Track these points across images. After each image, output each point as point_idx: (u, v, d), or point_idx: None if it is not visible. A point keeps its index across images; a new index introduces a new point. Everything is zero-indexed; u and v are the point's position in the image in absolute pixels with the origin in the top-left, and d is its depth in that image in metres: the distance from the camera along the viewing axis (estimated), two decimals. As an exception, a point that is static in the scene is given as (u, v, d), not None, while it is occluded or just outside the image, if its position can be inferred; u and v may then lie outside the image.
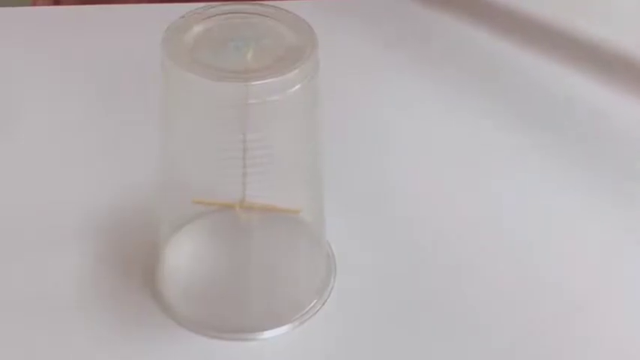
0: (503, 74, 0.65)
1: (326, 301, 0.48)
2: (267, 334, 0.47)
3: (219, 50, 0.43)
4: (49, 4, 0.75)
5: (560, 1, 0.72)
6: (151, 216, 0.49)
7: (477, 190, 0.56)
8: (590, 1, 0.72)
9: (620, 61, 0.66)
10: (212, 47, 0.43)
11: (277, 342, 0.46)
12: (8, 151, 0.58)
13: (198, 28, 0.44)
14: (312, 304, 0.48)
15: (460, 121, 0.61)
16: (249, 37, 0.44)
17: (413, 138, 0.59)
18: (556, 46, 0.67)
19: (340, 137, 0.56)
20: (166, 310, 0.48)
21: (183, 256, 0.50)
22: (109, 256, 0.50)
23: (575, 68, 0.65)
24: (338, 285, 0.49)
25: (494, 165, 0.58)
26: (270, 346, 0.46)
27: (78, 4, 0.72)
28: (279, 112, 0.43)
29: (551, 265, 0.51)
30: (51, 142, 0.58)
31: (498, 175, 0.57)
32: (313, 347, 0.46)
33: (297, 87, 0.42)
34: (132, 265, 0.50)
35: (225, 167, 0.44)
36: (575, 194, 0.55)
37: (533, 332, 0.47)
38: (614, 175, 0.57)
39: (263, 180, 0.44)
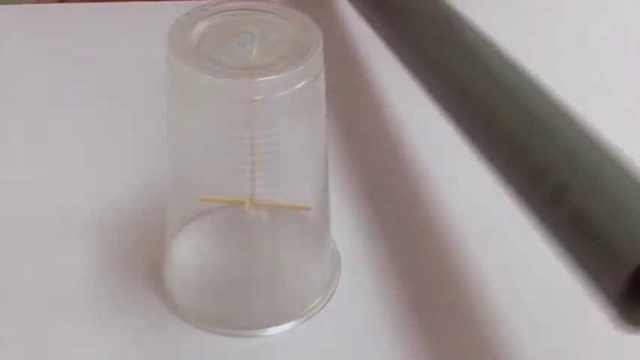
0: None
1: (330, 298, 0.48)
2: (272, 330, 0.47)
3: (225, 47, 0.43)
4: (53, 1, 0.75)
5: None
6: (157, 213, 0.49)
7: (487, 190, 0.56)
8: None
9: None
10: (217, 44, 0.43)
11: (282, 339, 0.46)
12: (12, 150, 0.58)
13: (203, 25, 0.44)
14: (316, 301, 0.48)
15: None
16: (254, 33, 0.44)
17: (421, 136, 0.59)
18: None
19: (346, 134, 0.56)
20: (172, 306, 0.48)
21: (189, 253, 0.50)
22: (115, 254, 0.50)
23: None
24: (343, 283, 0.49)
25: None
26: (274, 343, 0.46)
27: (82, 2, 0.72)
28: (284, 108, 0.43)
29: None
30: (56, 140, 0.58)
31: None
32: (317, 344, 0.46)
33: (302, 83, 0.42)
34: (138, 262, 0.50)
35: (231, 164, 0.44)
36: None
37: (543, 328, 0.47)
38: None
39: (269, 177, 0.44)
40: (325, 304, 0.48)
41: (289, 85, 0.42)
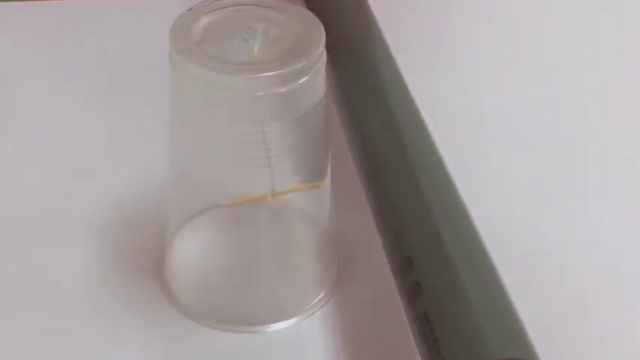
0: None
1: (333, 295, 0.48)
2: (275, 326, 0.47)
3: (227, 42, 0.43)
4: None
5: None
6: (158, 212, 0.49)
7: (486, 190, 0.55)
8: None
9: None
10: (219, 40, 0.43)
11: (284, 335, 0.46)
12: (14, 148, 0.58)
13: (205, 21, 0.44)
14: (320, 297, 0.48)
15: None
16: (256, 29, 0.44)
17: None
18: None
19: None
20: (175, 304, 0.48)
21: (191, 251, 0.50)
22: (116, 254, 0.50)
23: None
24: (346, 279, 0.49)
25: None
26: (277, 338, 0.46)
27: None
28: (287, 104, 0.43)
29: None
30: (56, 139, 0.58)
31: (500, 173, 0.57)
32: (320, 341, 0.46)
33: (304, 79, 0.43)
34: (139, 261, 0.50)
35: (233, 161, 0.44)
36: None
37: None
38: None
39: (270, 173, 0.44)
40: (328, 300, 0.48)
41: (291, 81, 0.42)
